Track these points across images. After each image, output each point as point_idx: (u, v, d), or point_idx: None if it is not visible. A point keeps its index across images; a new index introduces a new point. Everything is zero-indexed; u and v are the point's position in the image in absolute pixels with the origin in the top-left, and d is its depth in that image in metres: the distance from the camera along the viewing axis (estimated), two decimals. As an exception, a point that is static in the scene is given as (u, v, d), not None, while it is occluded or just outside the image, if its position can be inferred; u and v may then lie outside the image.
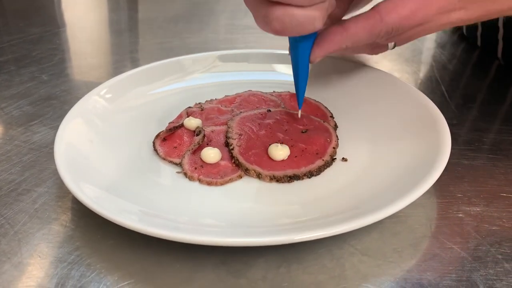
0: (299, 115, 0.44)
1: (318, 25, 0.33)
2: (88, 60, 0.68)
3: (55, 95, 0.56)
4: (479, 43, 0.68)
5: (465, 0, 0.35)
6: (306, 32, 0.33)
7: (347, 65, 0.52)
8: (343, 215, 0.31)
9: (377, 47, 0.44)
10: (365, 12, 0.37)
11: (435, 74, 0.61)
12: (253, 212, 0.34)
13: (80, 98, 0.49)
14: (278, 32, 0.33)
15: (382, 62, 0.65)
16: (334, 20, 0.41)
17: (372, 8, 0.37)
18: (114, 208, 0.32)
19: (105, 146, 0.40)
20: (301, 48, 0.38)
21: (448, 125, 0.40)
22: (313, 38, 0.38)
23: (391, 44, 0.42)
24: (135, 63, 0.67)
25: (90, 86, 0.58)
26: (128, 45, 0.76)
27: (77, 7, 1.01)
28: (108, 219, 0.31)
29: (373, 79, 0.49)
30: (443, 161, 0.35)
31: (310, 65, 0.40)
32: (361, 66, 0.51)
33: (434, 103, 0.43)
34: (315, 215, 0.33)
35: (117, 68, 0.66)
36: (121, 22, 0.89)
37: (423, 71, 0.63)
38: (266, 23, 0.33)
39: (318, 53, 0.38)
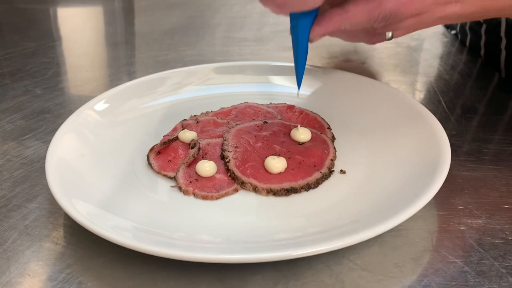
0: (298, 95, 0.46)
1: (318, 1, 0.34)
2: (83, 74, 0.67)
3: (48, 109, 0.55)
4: (482, 52, 0.67)
5: None
6: (307, 8, 0.35)
7: (345, 76, 0.52)
8: (342, 230, 0.30)
9: (375, 36, 0.44)
10: None
11: (433, 85, 0.61)
12: (249, 227, 0.33)
13: (74, 111, 0.49)
14: (280, 6, 0.35)
15: (380, 73, 0.64)
16: (336, 4, 0.41)
17: None
18: (107, 225, 0.31)
19: (98, 160, 0.39)
20: (301, 26, 0.39)
21: (448, 136, 0.39)
22: (314, 16, 0.39)
23: (388, 34, 0.43)
24: (130, 76, 0.67)
25: (84, 99, 0.57)
26: (123, 58, 0.75)
27: (73, 20, 1.01)
28: (101, 236, 0.30)
29: (371, 90, 0.49)
30: (443, 173, 0.34)
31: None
32: (359, 77, 0.51)
33: (433, 113, 0.43)
34: (313, 230, 0.32)
35: (112, 81, 0.65)
36: (117, 35, 0.89)
37: (421, 82, 0.63)
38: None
39: (318, 32, 0.39)
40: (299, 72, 0.43)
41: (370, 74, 0.63)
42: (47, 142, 0.47)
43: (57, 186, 0.33)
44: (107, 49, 0.82)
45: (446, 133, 0.40)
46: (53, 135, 0.41)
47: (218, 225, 0.34)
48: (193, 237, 0.31)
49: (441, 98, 0.56)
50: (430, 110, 0.43)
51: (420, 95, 0.58)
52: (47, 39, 0.83)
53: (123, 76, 0.67)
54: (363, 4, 0.38)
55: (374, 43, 0.46)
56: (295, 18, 0.39)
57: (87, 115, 0.44)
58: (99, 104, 0.46)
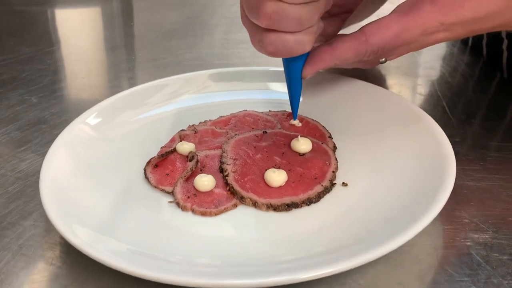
0: (297, 124, 0.47)
1: (307, 47, 0.36)
2: (79, 81, 0.66)
3: (44, 119, 0.54)
4: (484, 52, 0.66)
5: (447, 23, 0.36)
6: (297, 54, 0.36)
7: (346, 82, 0.50)
8: (347, 250, 0.29)
9: (369, 62, 0.44)
10: (352, 33, 0.39)
11: (435, 88, 0.59)
12: (250, 248, 0.32)
13: (71, 121, 0.47)
14: (272, 54, 0.36)
15: (381, 76, 0.63)
16: (328, 38, 0.43)
17: (359, 29, 0.39)
18: (105, 249, 0.30)
19: (93, 179, 0.38)
20: (293, 67, 0.40)
21: (452, 143, 0.38)
22: (305, 57, 0.40)
23: (382, 59, 0.43)
24: (128, 82, 0.66)
25: (80, 108, 0.56)
26: (121, 63, 0.74)
27: (71, 22, 1.00)
28: (99, 261, 0.29)
29: (372, 96, 0.48)
30: (449, 186, 0.33)
31: (305, 80, 0.42)
32: (360, 83, 0.50)
33: (435, 119, 0.42)
34: (317, 250, 0.31)
35: (109, 88, 0.64)
36: (115, 38, 0.88)
37: (423, 85, 0.62)
38: (261, 46, 0.36)
39: (309, 71, 0.40)
40: (294, 106, 0.43)
41: (371, 77, 0.62)
42: (43, 154, 0.46)
43: (54, 212, 0.32)
44: (105, 53, 0.81)
45: (450, 140, 0.39)
46: (48, 146, 0.40)
47: (217, 245, 0.33)
48: (191, 260, 0.30)
49: (444, 103, 0.55)
50: (433, 116, 0.42)
51: (422, 99, 0.57)
52: (44, 43, 0.81)
53: (121, 82, 0.66)
54: (350, 41, 0.38)
55: (369, 67, 0.46)
56: (286, 60, 0.40)
57: (79, 130, 0.43)
58: (92, 117, 0.45)
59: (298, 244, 0.32)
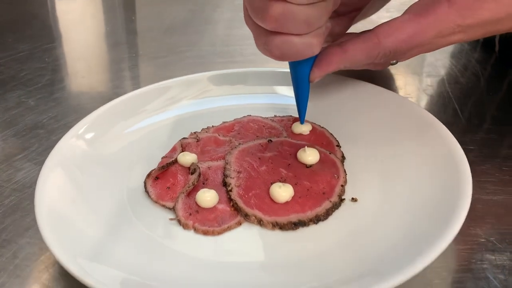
0: (304, 132, 0.45)
1: (315, 50, 0.34)
2: (79, 80, 0.64)
3: (41, 123, 0.52)
4: (496, 49, 0.64)
5: (464, 25, 0.35)
6: (305, 57, 0.34)
7: (354, 85, 0.48)
8: (362, 283, 0.27)
9: (380, 64, 0.42)
10: (363, 34, 0.37)
11: (446, 89, 0.57)
12: (254, 275, 0.30)
13: (69, 126, 0.46)
14: (278, 58, 0.34)
15: (390, 76, 0.61)
16: (336, 37, 0.41)
17: (371, 30, 0.37)
18: (107, 279, 0.28)
19: (91, 201, 0.36)
20: (300, 70, 0.38)
21: (465, 152, 0.36)
22: (312, 59, 0.38)
23: (393, 61, 0.41)
24: (129, 83, 0.64)
25: (80, 111, 0.55)
26: (123, 61, 0.72)
27: (71, 15, 0.97)
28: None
29: (384, 102, 0.45)
30: (466, 205, 0.31)
31: (311, 84, 0.39)
32: (370, 86, 0.47)
33: (446, 122, 0.40)
34: (328, 280, 0.29)
35: (110, 89, 0.62)
36: (117, 33, 0.86)
37: (433, 86, 0.59)
38: (266, 50, 0.34)
39: (317, 74, 0.38)
40: (301, 110, 0.41)
41: (379, 77, 0.60)
42: (39, 163, 0.45)
43: (56, 245, 0.30)
44: (106, 50, 0.78)
45: (463, 148, 0.37)
46: (46, 155, 0.39)
47: (219, 270, 0.31)
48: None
49: (455, 105, 0.53)
50: (444, 119, 0.40)
51: (433, 101, 0.55)
52: (42, 39, 0.79)
53: (123, 82, 0.64)
54: (362, 43, 0.36)
55: (379, 69, 0.44)
56: (293, 63, 0.38)
57: (72, 146, 0.40)
58: (85, 129, 0.42)
59: (306, 271, 0.30)
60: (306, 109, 0.41)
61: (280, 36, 0.32)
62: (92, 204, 0.36)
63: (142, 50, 0.76)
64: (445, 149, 0.37)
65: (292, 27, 0.32)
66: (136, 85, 0.64)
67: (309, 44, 0.33)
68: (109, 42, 0.82)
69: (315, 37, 0.33)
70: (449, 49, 0.70)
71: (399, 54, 0.37)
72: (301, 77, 0.39)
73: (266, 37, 0.33)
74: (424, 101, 0.56)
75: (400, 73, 0.62)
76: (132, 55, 0.74)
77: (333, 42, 0.40)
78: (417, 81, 0.60)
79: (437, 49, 0.38)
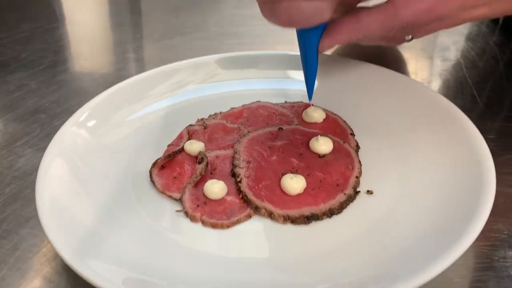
0: (312, 107, 0.43)
1: (326, 16, 0.32)
2: (82, 63, 0.62)
3: (43, 107, 0.51)
4: None
5: None
6: (314, 24, 0.32)
7: (368, 70, 0.46)
8: (376, 286, 0.26)
9: (394, 39, 0.40)
10: (380, 4, 0.34)
11: (464, 74, 0.55)
12: (265, 276, 0.29)
13: (71, 110, 0.44)
14: (285, 24, 0.32)
15: (406, 59, 0.59)
16: (349, 8, 0.37)
17: (388, 0, 0.34)
18: (114, 278, 0.27)
19: (92, 191, 0.34)
20: (308, 39, 0.36)
21: (486, 142, 0.34)
22: (322, 28, 0.35)
23: (408, 36, 0.39)
24: (133, 65, 0.62)
25: (82, 95, 0.53)
26: (126, 42, 0.70)
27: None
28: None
29: (401, 88, 0.43)
30: (490, 197, 0.30)
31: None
32: (386, 72, 0.45)
33: (465, 110, 0.38)
34: (343, 281, 0.27)
35: (114, 72, 0.60)
36: (121, 14, 0.83)
37: (449, 70, 0.57)
38: (272, 15, 0.32)
39: (328, 43, 0.36)
40: (310, 85, 0.39)
41: (395, 61, 0.58)
42: (41, 149, 0.43)
43: (58, 241, 0.28)
44: (110, 31, 0.76)
45: (485, 137, 0.35)
46: (47, 140, 0.37)
47: (227, 267, 0.29)
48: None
49: (475, 92, 0.50)
50: (463, 107, 0.39)
51: (450, 87, 0.53)
52: (46, 19, 0.77)
53: (127, 65, 0.62)
54: (377, 13, 0.34)
55: (393, 45, 0.42)
56: (302, 30, 0.35)
57: (73, 134, 0.38)
58: (86, 117, 0.40)
59: (320, 272, 0.29)
60: (314, 84, 0.39)
61: (287, 0, 0.30)
62: (95, 195, 0.34)
63: (147, 31, 0.74)
64: (465, 139, 0.36)
65: None
66: (140, 68, 0.62)
67: (318, 8, 0.31)
68: (113, 22, 0.80)
69: (325, 1, 0.31)
70: (465, 31, 0.67)
71: (417, 28, 0.35)
72: (310, 47, 0.36)
73: (272, 1, 0.31)
74: (439, 86, 0.53)
75: (413, 57, 0.59)
76: (136, 36, 0.72)
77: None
78: (431, 65, 0.58)
79: (457, 25, 0.35)
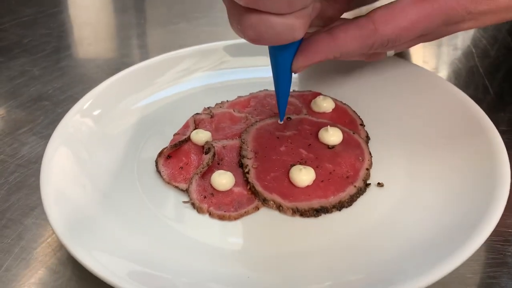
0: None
1: (298, 35, 0.28)
2: (86, 48, 0.62)
3: (47, 94, 0.50)
4: None
5: (476, 12, 0.30)
6: (285, 42, 0.29)
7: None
8: (386, 282, 0.25)
9: (374, 55, 0.38)
10: (357, 20, 0.31)
11: (475, 63, 0.54)
12: (273, 273, 0.28)
13: (75, 97, 0.44)
14: (252, 41, 0.28)
15: (415, 47, 0.57)
16: (327, 22, 0.36)
17: (366, 15, 0.31)
18: (123, 273, 0.26)
19: (97, 181, 0.34)
20: (280, 57, 0.33)
21: (499, 133, 0.34)
22: (296, 46, 0.32)
23: (390, 52, 0.38)
24: (137, 51, 0.61)
25: (86, 82, 0.52)
26: (130, 27, 0.68)
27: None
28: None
29: (408, 76, 0.42)
30: (505, 191, 0.29)
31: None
32: (398, 61, 0.44)
33: (477, 100, 0.37)
34: (353, 278, 0.27)
35: (118, 58, 0.59)
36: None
37: (460, 59, 0.56)
38: (239, 30, 0.28)
39: (302, 63, 0.33)
40: (281, 105, 0.36)
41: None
42: (45, 137, 0.43)
43: (69, 239, 0.27)
44: (113, 15, 0.75)
45: (498, 129, 0.34)
46: (51, 128, 0.37)
47: (235, 259, 0.29)
48: (201, 285, 0.27)
49: (487, 82, 0.49)
50: (475, 97, 0.38)
51: (461, 76, 0.52)
52: (48, 3, 0.75)
53: (131, 51, 0.61)
54: (355, 30, 0.31)
55: (373, 60, 0.40)
56: (273, 48, 0.32)
57: (77, 122, 0.37)
58: (90, 105, 0.39)
59: (329, 268, 0.28)
60: (286, 104, 0.37)
61: (256, 15, 0.27)
62: (100, 185, 0.33)
63: (152, 15, 0.73)
64: (478, 130, 0.35)
65: (271, 4, 0.26)
66: (145, 54, 0.61)
67: (290, 26, 0.28)
68: (116, 6, 0.78)
69: (299, 19, 0.28)
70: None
71: (398, 44, 0.32)
72: (282, 66, 0.33)
73: (240, 14, 0.27)
74: (450, 75, 0.52)
75: (423, 45, 0.58)
76: (140, 21, 0.71)
77: (323, 28, 0.34)
78: (444, 55, 0.57)
79: (440, 38, 0.34)
